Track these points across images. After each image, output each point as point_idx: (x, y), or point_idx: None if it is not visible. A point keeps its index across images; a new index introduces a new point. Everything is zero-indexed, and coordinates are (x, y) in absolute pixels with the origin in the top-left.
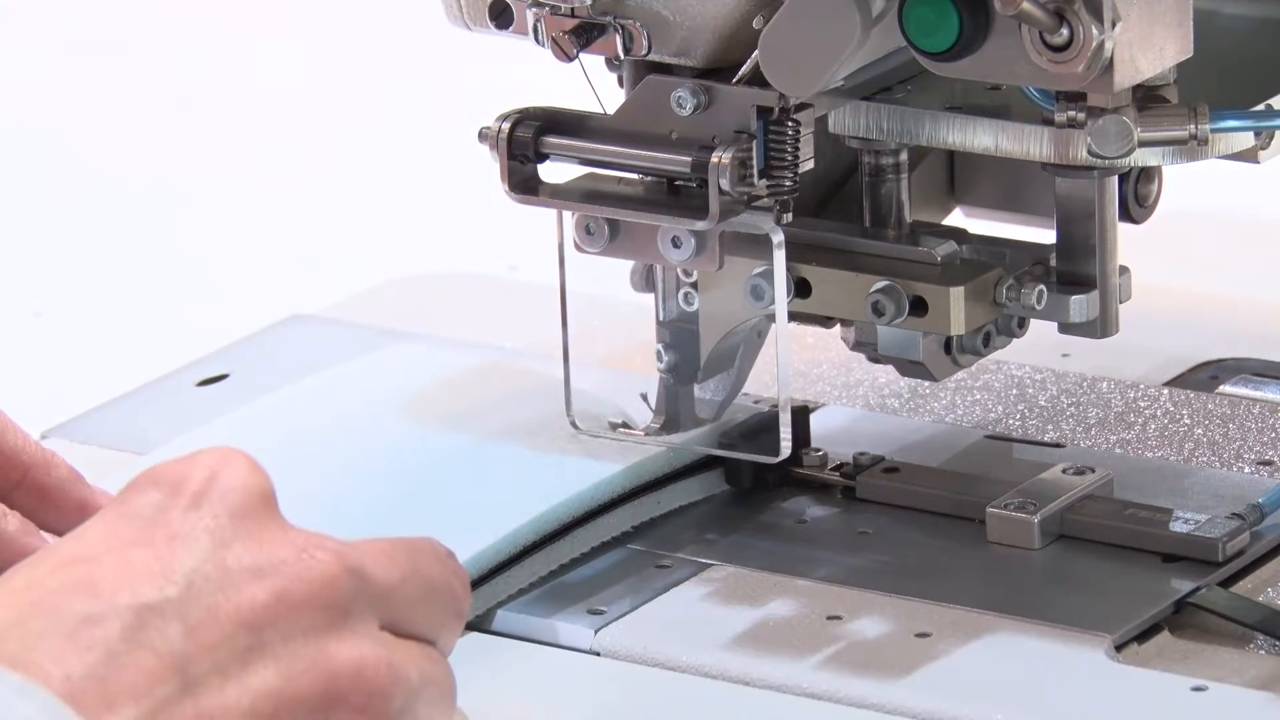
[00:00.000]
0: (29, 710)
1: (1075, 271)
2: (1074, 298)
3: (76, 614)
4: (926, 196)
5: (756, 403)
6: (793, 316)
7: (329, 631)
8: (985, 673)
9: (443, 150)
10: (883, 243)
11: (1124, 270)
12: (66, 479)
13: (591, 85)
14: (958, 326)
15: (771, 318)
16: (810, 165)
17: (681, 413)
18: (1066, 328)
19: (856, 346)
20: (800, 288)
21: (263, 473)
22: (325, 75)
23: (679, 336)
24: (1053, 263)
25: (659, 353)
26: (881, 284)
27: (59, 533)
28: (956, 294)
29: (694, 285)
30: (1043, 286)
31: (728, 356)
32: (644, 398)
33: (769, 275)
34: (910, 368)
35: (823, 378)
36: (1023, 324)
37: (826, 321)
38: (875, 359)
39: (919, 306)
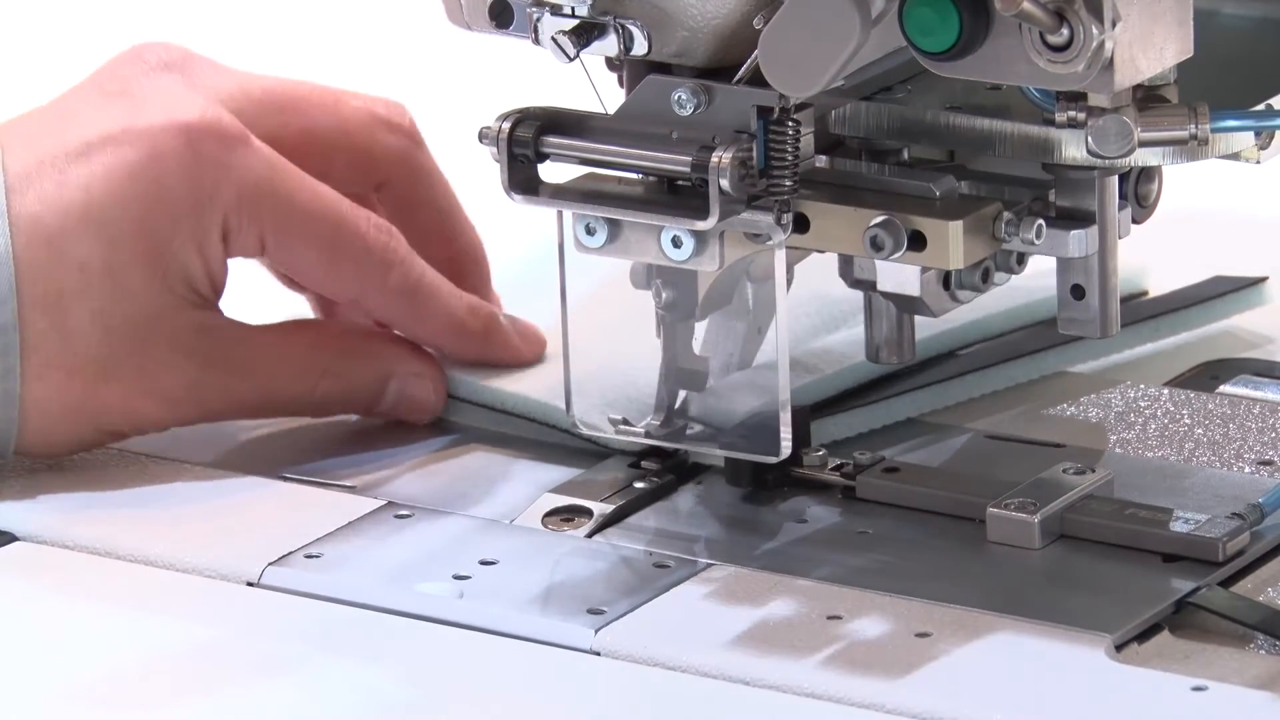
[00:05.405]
0: None
1: (1074, 207)
2: (1073, 232)
3: None
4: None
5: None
6: (791, 250)
7: None
8: (985, 673)
9: (443, 150)
10: (881, 177)
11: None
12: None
13: (594, 85)
14: (956, 261)
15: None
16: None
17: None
18: (1068, 327)
19: (855, 284)
20: (798, 222)
21: None
22: (325, 75)
23: (676, 273)
24: (1052, 198)
25: (656, 289)
26: (880, 218)
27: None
28: (955, 228)
29: None
30: (1041, 221)
31: (725, 293)
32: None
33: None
34: (908, 303)
35: None
36: (1021, 260)
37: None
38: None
39: (917, 241)
